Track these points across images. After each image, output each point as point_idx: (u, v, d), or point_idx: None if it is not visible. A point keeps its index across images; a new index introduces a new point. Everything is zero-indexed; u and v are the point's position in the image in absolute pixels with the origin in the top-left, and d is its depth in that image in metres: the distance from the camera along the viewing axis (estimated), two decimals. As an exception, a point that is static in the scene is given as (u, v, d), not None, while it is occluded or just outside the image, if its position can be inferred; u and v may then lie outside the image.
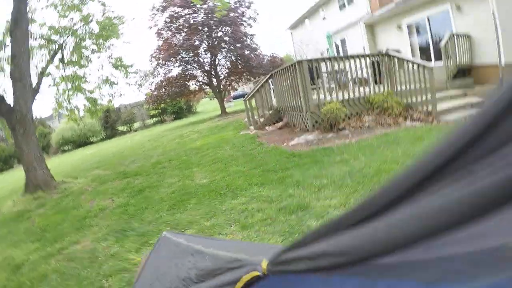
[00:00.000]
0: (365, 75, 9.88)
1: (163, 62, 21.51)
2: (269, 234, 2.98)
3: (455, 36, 11.06)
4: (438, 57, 12.00)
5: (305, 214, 3.34)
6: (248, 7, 22.00)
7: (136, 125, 34.78)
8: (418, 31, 14.25)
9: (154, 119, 35.53)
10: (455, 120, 7.62)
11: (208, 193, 4.57)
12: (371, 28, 16.41)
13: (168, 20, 21.17)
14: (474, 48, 11.48)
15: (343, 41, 18.48)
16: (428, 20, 13.47)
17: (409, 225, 0.42)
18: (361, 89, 8.93)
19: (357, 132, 7.30)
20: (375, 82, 9.04)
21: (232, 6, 17.13)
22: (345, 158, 5.33)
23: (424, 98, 8.15)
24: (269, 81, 11.04)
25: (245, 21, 22.17)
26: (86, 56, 10.85)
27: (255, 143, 8.07)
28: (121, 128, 33.72)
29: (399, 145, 5.76)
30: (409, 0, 14.36)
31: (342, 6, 18.84)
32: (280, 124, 9.75)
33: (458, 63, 10.92)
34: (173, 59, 21.60)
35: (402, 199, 0.43)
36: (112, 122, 32.43)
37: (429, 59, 13.07)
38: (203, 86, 24.35)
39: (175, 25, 21.38)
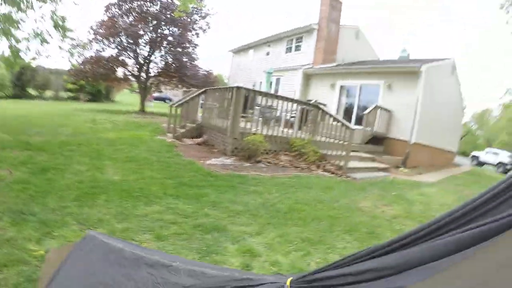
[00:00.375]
0: (292, 118, 10.51)
1: (101, 38, 20.01)
2: (185, 249, 2.90)
3: (378, 109, 12.47)
4: (358, 121, 13.37)
5: (221, 236, 3.36)
6: (203, 18, 21.99)
7: (47, 93, 31.35)
8: (348, 94, 15.74)
9: (69, 93, 32.50)
10: (361, 178, 8.38)
11: (120, 192, 4.29)
12: (307, 77, 17.84)
13: None
14: (392, 123, 13.17)
15: (278, 80, 19.68)
16: (360, 88, 15.04)
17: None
18: (286, 130, 9.43)
19: (272, 168, 7.59)
20: (300, 127, 9.63)
21: (190, 11, 16.98)
22: (259, 190, 5.51)
23: (339, 153, 8.91)
24: (201, 96, 11.04)
25: (194, 29, 22.04)
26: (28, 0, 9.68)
27: (172, 152, 7.87)
28: (32, 91, 30.09)
29: (311, 189, 6.16)
30: (348, 66, 15.96)
31: (288, 50, 20.40)
32: (200, 140, 9.69)
33: (375, 131, 12.27)
34: (111, 39, 20.23)
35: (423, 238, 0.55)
36: (25, 82, 28.90)
37: (349, 120, 14.51)
38: (131, 77, 23.14)
39: (127, 6, 20.36)
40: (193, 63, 22.27)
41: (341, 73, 16.02)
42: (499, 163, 28.04)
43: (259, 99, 9.05)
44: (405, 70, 13.58)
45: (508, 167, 27.44)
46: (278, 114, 9.52)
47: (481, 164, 29.47)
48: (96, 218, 3.38)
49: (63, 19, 10.65)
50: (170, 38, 21.43)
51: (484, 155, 30.22)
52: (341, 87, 15.97)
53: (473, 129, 62.18)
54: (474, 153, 32.25)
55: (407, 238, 0.57)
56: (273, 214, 4.37)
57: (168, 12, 19.91)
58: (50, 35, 10.46)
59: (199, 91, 10.99)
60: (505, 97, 59.07)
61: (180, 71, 21.33)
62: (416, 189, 8.20)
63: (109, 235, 2.92)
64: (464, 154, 35.95)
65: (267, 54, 23.00)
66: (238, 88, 8.06)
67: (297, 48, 19.78)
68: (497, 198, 0.50)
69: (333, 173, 8.30)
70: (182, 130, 10.34)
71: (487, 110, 62.20)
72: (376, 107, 12.51)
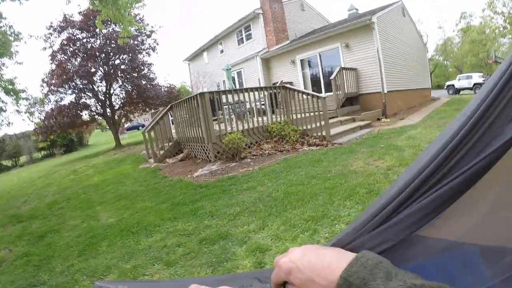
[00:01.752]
0: (263, 106, 10.57)
1: (55, 88, 19.58)
2: (196, 267, 2.89)
3: (343, 70, 12.62)
4: (328, 88, 13.55)
5: (227, 242, 3.37)
6: (149, 36, 21.74)
7: (22, 159, 30.39)
8: (310, 65, 15.86)
9: (43, 152, 31.57)
10: (347, 141, 8.48)
11: (119, 233, 4.26)
12: (266, 62, 17.91)
13: (65, 42, 19.61)
14: (360, 80, 13.42)
15: (239, 73, 19.73)
16: (320, 56, 15.22)
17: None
18: (260, 119, 9.47)
19: (258, 160, 7.61)
20: (273, 112, 9.62)
21: (133, 34, 16.77)
22: (252, 185, 5.53)
23: (318, 124, 8.96)
24: (169, 112, 10.97)
25: (144, 50, 21.81)
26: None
27: (158, 177, 7.85)
28: (5, 162, 29.11)
29: (301, 168, 6.19)
30: (302, 39, 16.05)
31: (240, 41, 20.37)
32: (181, 156, 9.65)
33: (346, 92, 12.44)
34: (66, 86, 19.86)
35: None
36: (-5, 156, 27.77)
37: (319, 90, 14.68)
38: (96, 116, 22.71)
39: (71, 49, 19.92)
40: (152, 83, 22.08)
41: (297, 47, 16.10)
42: (475, 84, 28.76)
43: (225, 98, 9.03)
44: (357, 26, 13.69)
45: (485, 85, 28.21)
46: (248, 106, 9.49)
47: (458, 91, 30.15)
48: (104, 266, 3.35)
49: (11, 82, 10.45)
50: (122, 67, 21.14)
51: (458, 82, 30.86)
52: (301, 60, 16.12)
53: (440, 61, 63.36)
54: (448, 82, 32.92)
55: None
56: (271, 204, 4.39)
57: (112, 42, 19.60)
58: (3, 101, 10.26)
59: (165, 109, 10.92)
60: (461, 21, 60.66)
61: (143, 95, 21.11)
62: (402, 135, 8.35)
63: (119, 279, 2.94)
64: (439, 87, 36.65)
65: (222, 52, 22.91)
66: (201, 94, 8.00)
67: (248, 37, 19.77)
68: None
69: (318, 145, 8.38)
70: (162, 152, 10.29)
71: (448, 39, 63.42)
72: (341, 69, 12.63)
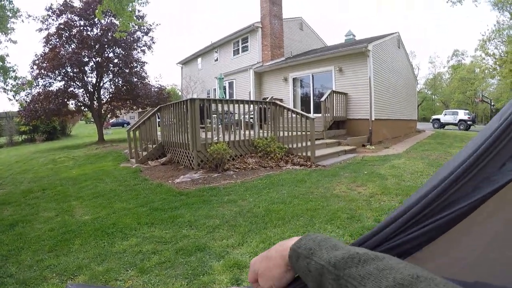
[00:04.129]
0: (251, 119, 10.59)
1: (45, 72, 19.09)
2: (171, 277, 2.84)
3: (334, 93, 12.79)
4: (317, 109, 13.71)
5: (204, 255, 3.34)
6: (146, 33, 21.64)
7: (1, 140, 29.63)
8: (301, 85, 16.02)
9: (24, 136, 30.93)
10: (331, 164, 8.56)
11: (94, 232, 4.15)
12: (259, 76, 18.02)
13: (62, 27, 19.28)
14: (349, 104, 13.61)
15: (231, 84, 19.79)
16: (312, 76, 15.39)
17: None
18: (247, 132, 9.42)
19: (241, 173, 7.60)
20: (260, 127, 9.66)
21: (131, 29, 16.63)
22: (233, 198, 5.51)
23: (303, 144, 9.04)
24: (157, 114, 10.87)
25: (139, 47, 21.68)
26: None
27: (139, 178, 7.74)
28: None
29: (283, 186, 6.22)
30: (297, 57, 16.23)
31: (236, 52, 20.47)
32: (164, 159, 9.55)
33: (334, 115, 12.60)
34: (57, 72, 19.42)
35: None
36: (-26, 133, 26.70)
37: (308, 110, 14.82)
38: (83, 107, 22.34)
39: (67, 34, 19.57)
40: (143, 82, 21.89)
41: (291, 65, 16.29)
42: (460, 120, 29.50)
43: (215, 107, 8.99)
44: (352, 52, 13.95)
45: (469, 122, 28.92)
46: (236, 118, 9.52)
47: (442, 125, 30.87)
48: (75, 266, 3.26)
49: (2, 59, 10.22)
50: (116, 61, 20.92)
51: (443, 117, 31.61)
52: (294, 79, 16.29)
53: (428, 94, 65.11)
54: (434, 116, 33.70)
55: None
56: (251, 220, 4.38)
57: (109, 34, 19.37)
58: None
59: (153, 110, 10.82)
60: (453, 59, 62.63)
61: (132, 93, 20.93)
62: (386, 164, 8.50)
63: (90, 283, 2.87)
64: (425, 119, 37.48)
65: (216, 60, 23.00)
66: (192, 100, 7.95)
67: (244, 48, 19.91)
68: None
69: (302, 165, 8.45)
70: (145, 153, 10.16)
71: (438, 74, 65.38)
72: (332, 92, 12.80)
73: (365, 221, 4.19)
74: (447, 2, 27.51)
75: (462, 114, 30.25)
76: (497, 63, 32.66)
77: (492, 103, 46.45)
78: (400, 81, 17.84)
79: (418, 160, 9.12)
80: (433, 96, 66.20)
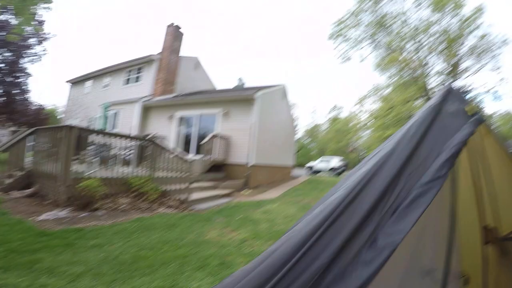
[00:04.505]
0: (129, 156, 10.15)
1: None
2: None
3: (217, 136, 13.21)
4: (198, 151, 13.92)
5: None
6: (40, 42, 19.55)
7: None
8: (187, 124, 16.08)
9: None
10: (205, 209, 8.70)
11: None
12: (147, 110, 17.64)
13: None
14: (230, 149, 14.09)
15: (116, 114, 18.79)
16: (199, 117, 15.64)
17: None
18: (123, 169, 9.08)
19: (112, 215, 7.26)
20: (138, 165, 9.46)
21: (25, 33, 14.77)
22: (100, 242, 5.25)
23: (180, 187, 9.05)
24: (30, 136, 9.79)
25: (30, 55, 19.38)
26: None
27: (-3, 211, 6.90)
28: None
29: (155, 231, 6.11)
30: (187, 96, 16.42)
31: (127, 81, 19.82)
32: (29, 191, 8.47)
33: (214, 158, 12.89)
34: None
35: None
36: None
37: (190, 151, 14.90)
38: None
39: None
40: (24, 96, 19.50)
41: (180, 104, 16.46)
42: (331, 168, 32.64)
43: (94, 138, 8.49)
44: (240, 98, 14.78)
45: (339, 170, 32.24)
46: (115, 152, 9.11)
47: (316, 172, 33.73)
48: None
49: None
50: (1, 65, 18.29)
51: (317, 164, 34.56)
52: (180, 118, 16.40)
53: (306, 143, 71.49)
54: (309, 163, 36.62)
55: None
56: (117, 268, 4.22)
57: (2, 33, 16.94)
58: None
59: (28, 132, 9.64)
60: (332, 112, 70.24)
61: (9, 106, 18.37)
62: (260, 208, 8.94)
63: None
64: (302, 166, 40.48)
65: (106, 86, 21.84)
66: (70, 127, 7.40)
67: (137, 79, 19.44)
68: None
69: (176, 208, 8.42)
70: (9, 181, 8.93)
71: (316, 125, 72.71)
72: (214, 135, 13.20)
73: (236, 267, 4.33)
74: (338, 59, 31.87)
75: (335, 162, 33.43)
76: (370, 118, 37.70)
77: (362, 152, 52.93)
78: (281, 129, 19.29)
79: (291, 205, 9.84)
80: (311, 144, 72.89)
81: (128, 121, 17.74)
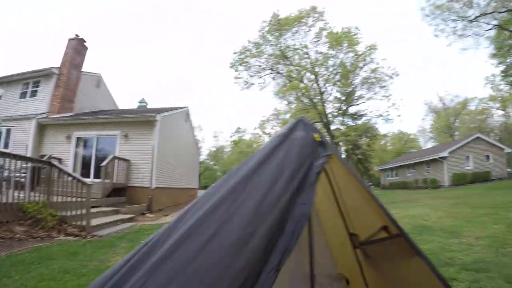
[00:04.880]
0: (23, 179, 9.41)
1: None
2: None
3: (116, 159, 12.92)
4: (97, 174, 13.20)
5: None
6: None
7: None
8: (85, 146, 15.36)
9: None
10: (107, 234, 8.54)
11: None
12: (42, 128, 16.18)
13: None
14: (131, 172, 13.84)
15: (8, 132, 16.58)
16: (97, 138, 15.02)
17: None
18: (16, 194, 8.29)
19: (7, 245, 6.73)
20: (32, 189, 8.84)
21: None
22: None
23: (79, 212, 8.74)
24: None
25: None
26: None
27: None
28: None
29: (55, 260, 5.91)
30: (86, 116, 15.56)
31: (23, 95, 17.67)
32: None
33: (114, 182, 12.60)
34: None
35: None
36: None
37: (89, 174, 14.23)
38: None
39: None
40: None
41: (78, 123, 15.61)
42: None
43: None
44: (141, 120, 14.65)
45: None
46: (7, 175, 8.37)
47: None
48: None
49: None
50: None
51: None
52: (78, 138, 15.55)
53: (210, 164, 72.02)
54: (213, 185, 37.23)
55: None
56: None
57: None
58: None
59: None
60: (236, 134, 72.04)
61: None
62: (163, 231, 9.04)
63: None
64: (206, 187, 40.74)
65: (-2, 98, 19.35)
66: None
67: (33, 93, 17.50)
68: None
69: (76, 235, 8.11)
70: None
71: (220, 147, 73.86)
72: (114, 158, 12.86)
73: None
74: (240, 88, 33.23)
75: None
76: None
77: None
78: (184, 152, 19.48)
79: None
80: (215, 166, 73.66)
81: (24, 140, 15.92)
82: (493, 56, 25.52)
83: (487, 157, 31.16)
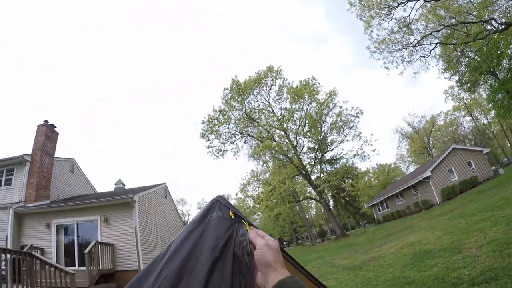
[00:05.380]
0: (3, 272, 8.65)
1: None
2: None
3: (99, 244, 12.35)
4: (82, 262, 12.51)
5: None
6: None
7: None
8: (66, 233, 14.72)
9: None
10: None
11: None
12: (20, 218, 15.33)
13: None
14: (117, 256, 13.21)
15: None
16: (77, 225, 14.42)
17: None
18: None
19: None
20: (14, 281, 8.34)
21: None
22: None
23: None
24: None
25: None
26: None
27: None
28: None
29: None
30: (63, 203, 15.14)
31: None
32: None
33: (101, 268, 11.94)
34: None
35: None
36: None
37: (73, 262, 13.50)
38: None
39: None
40: None
41: (55, 211, 14.93)
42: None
43: None
44: (118, 202, 14.24)
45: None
46: None
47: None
48: None
49: None
50: None
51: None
52: (58, 226, 14.81)
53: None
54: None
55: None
56: None
57: None
58: None
59: None
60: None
61: None
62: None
63: None
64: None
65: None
66: None
67: (8, 182, 16.69)
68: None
69: None
70: None
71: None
72: (97, 243, 12.29)
73: None
74: (214, 157, 33.26)
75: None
76: (255, 202, 39.23)
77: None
78: (167, 229, 18.88)
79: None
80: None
81: (1, 230, 14.76)
82: (445, 70, 27.05)
83: (469, 163, 31.77)
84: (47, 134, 17.98)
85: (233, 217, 1.07)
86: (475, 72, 27.97)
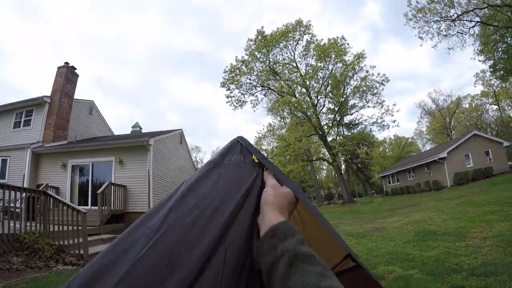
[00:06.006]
0: (18, 209, 9.08)
1: None
2: None
3: (112, 185, 12.75)
4: (94, 201, 12.99)
5: None
6: None
7: None
8: (81, 173, 15.22)
9: None
10: None
11: None
12: (37, 157, 16.04)
13: None
14: (129, 197, 13.66)
15: (4, 162, 16.57)
16: (93, 165, 14.89)
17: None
18: (12, 224, 8.19)
19: (4, 275, 6.56)
20: (28, 219, 8.63)
21: None
22: None
23: (76, 241, 8.56)
24: None
25: None
26: None
27: None
28: None
29: None
30: (80, 144, 15.48)
31: (17, 124, 17.57)
32: None
33: (112, 208, 12.41)
34: None
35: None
36: None
37: (86, 201, 14.14)
38: None
39: None
40: None
41: (73, 151, 15.46)
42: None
43: None
44: (134, 145, 14.55)
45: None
46: (3, 205, 8.28)
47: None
48: None
49: None
50: None
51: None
52: (74, 166, 15.40)
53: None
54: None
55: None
56: None
57: None
58: None
59: None
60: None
61: None
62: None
63: None
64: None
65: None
66: None
67: (27, 123, 17.34)
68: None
69: (75, 264, 7.91)
70: None
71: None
72: (110, 184, 12.68)
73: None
74: (233, 107, 33.71)
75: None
76: (269, 156, 39.62)
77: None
78: (181, 174, 19.25)
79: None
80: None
81: (19, 170, 15.69)
82: (480, 52, 25.62)
83: (487, 153, 30.90)
84: (67, 75, 18.19)
85: (256, 162, 0.93)
86: (511, 60, 26.63)
